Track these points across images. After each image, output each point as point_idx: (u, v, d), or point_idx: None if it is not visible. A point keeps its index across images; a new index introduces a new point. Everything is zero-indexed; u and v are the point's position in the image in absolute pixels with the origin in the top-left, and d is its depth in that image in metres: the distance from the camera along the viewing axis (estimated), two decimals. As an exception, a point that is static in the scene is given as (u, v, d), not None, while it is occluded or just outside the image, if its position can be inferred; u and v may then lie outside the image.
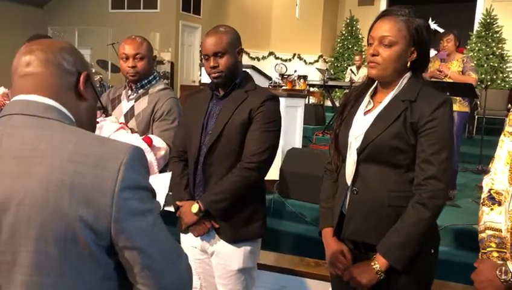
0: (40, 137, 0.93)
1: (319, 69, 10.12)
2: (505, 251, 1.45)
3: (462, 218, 3.71)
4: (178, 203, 2.00)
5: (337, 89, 9.90)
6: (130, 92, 2.44)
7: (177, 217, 2.03)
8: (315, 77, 10.07)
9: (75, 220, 0.89)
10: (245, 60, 11.35)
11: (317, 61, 12.12)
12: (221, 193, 1.89)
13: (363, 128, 1.58)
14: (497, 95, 8.13)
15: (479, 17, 10.14)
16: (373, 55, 1.55)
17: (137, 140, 2.16)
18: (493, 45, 9.63)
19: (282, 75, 6.84)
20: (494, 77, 9.33)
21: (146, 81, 2.41)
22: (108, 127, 2.23)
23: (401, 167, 1.54)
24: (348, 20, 12.09)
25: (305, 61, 12.21)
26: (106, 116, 2.33)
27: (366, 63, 1.64)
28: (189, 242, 2.03)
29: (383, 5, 11.51)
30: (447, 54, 4.61)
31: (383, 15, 1.58)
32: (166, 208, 2.13)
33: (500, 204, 1.50)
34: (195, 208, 1.91)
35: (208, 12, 11.15)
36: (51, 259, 0.90)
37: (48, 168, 0.90)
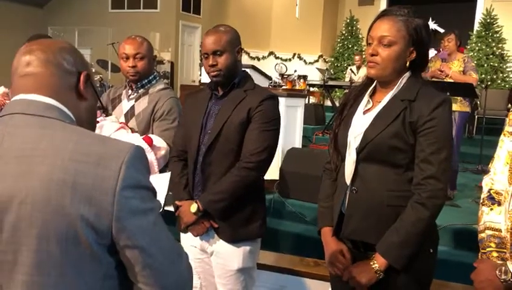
0: (41, 136, 0.93)
1: (319, 69, 10.12)
2: (505, 250, 1.45)
3: (462, 218, 3.71)
4: (177, 202, 2.01)
5: (337, 89, 9.90)
6: (130, 91, 2.44)
7: (177, 217, 2.03)
8: (315, 76, 10.07)
9: (76, 219, 0.89)
10: (245, 59, 11.35)
11: (317, 61, 12.12)
12: (220, 193, 1.89)
13: (362, 127, 1.59)
14: (497, 95, 8.13)
15: (479, 17, 10.14)
16: (372, 55, 1.56)
17: (137, 140, 2.16)
18: (493, 44, 9.63)
19: (282, 75, 6.84)
20: (494, 76, 9.33)
21: (146, 81, 2.41)
22: (108, 126, 2.23)
23: (400, 166, 1.54)
24: (348, 20, 12.09)
25: (305, 61, 12.22)
26: (106, 115, 2.33)
27: (366, 63, 1.64)
28: (189, 241, 2.03)
29: (383, 5, 11.50)
30: (448, 54, 4.60)
31: (382, 15, 1.58)
32: (166, 208, 2.14)
33: (499, 204, 1.50)
34: (194, 207, 1.92)
35: (208, 12, 11.15)
36: (53, 258, 0.91)
37: (50, 167, 0.90)
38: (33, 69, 1.00)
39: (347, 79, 8.89)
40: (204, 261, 2.07)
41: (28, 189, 0.89)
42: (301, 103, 5.04)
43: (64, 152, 0.91)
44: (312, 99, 9.78)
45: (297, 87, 6.70)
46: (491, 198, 1.53)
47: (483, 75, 8.94)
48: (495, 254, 1.47)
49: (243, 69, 2.07)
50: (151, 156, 2.17)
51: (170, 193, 2.10)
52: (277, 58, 12.25)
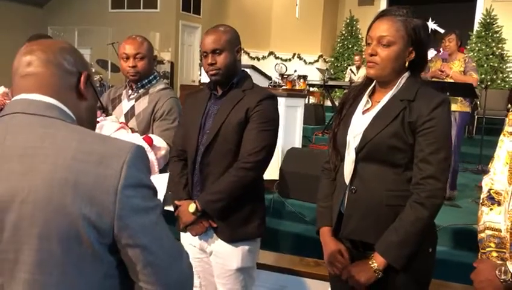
0: (43, 135, 0.94)
1: (319, 69, 10.12)
2: (504, 250, 1.45)
3: (462, 218, 3.71)
4: (176, 202, 2.01)
5: (337, 89, 9.90)
6: (130, 91, 2.44)
7: (177, 217, 2.03)
8: (315, 76, 10.08)
9: (78, 218, 0.90)
10: (245, 59, 11.36)
11: (317, 61, 12.12)
12: (218, 193, 1.89)
13: (361, 127, 1.59)
14: (497, 95, 8.13)
15: (479, 17, 10.15)
16: (371, 55, 1.56)
17: (137, 140, 2.16)
18: (493, 45, 9.64)
19: (282, 75, 6.84)
20: (494, 77, 9.33)
21: (146, 80, 2.41)
22: (108, 126, 2.23)
23: (399, 166, 1.55)
24: (348, 20, 12.10)
25: (305, 61, 12.22)
26: (106, 115, 2.34)
27: (365, 63, 1.65)
28: (188, 241, 2.04)
29: (383, 5, 11.51)
30: (448, 54, 4.60)
31: (381, 15, 1.59)
32: (166, 208, 2.14)
33: (499, 204, 1.50)
34: (192, 207, 1.92)
35: (208, 12, 11.15)
36: (54, 257, 0.91)
37: (51, 167, 0.90)
38: (34, 69, 1.01)
39: (347, 79, 8.89)
40: (203, 261, 2.07)
41: (30, 188, 0.90)
42: (301, 103, 5.05)
43: (66, 151, 0.92)
44: (312, 100, 9.79)
45: (297, 87, 6.70)
46: (490, 198, 1.53)
47: (483, 76, 8.94)
48: (495, 254, 1.47)
49: (242, 69, 2.07)
50: (151, 156, 2.17)
51: (170, 193, 2.11)
52: (277, 58, 12.25)
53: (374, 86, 1.66)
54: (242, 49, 2.04)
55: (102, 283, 0.96)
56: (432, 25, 10.54)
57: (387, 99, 1.58)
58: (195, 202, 1.93)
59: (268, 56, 12.63)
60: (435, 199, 1.50)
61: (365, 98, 1.66)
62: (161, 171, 2.27)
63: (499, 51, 9.52)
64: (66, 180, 0.90)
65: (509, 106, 7.81)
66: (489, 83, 8.26)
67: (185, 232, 2.01)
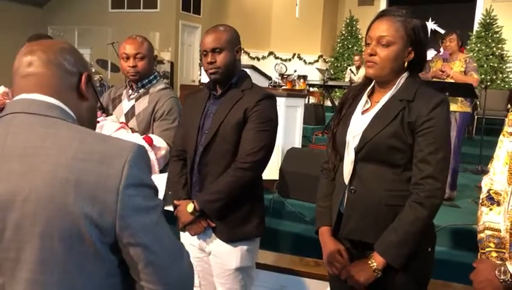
0: (45, 135, 0.94)
1: (318, 69, 10.13)
2: (504, 251, 1.45)
3: (462, 218, 3.71)
4: (175, 202, 2.01)
5: (336, 89, 9.91)
6: (130, 91, 2.44)
7: (176, 216, 2.03)
8: (315, 76, 10.08)
9: (80, 217, 0.90)
10: (245, 59, 11.37)
11: (317, 61, 12.12)
12: (216, 193, 1.90)
13: (360, 127, 1.59)
14: (496, 96, 8.14)
15: (478, 17, 10.15)
16: (371, 54, 1.56)
17: (137, 139, 2.16)
18: (493, 45, 9.64)
19: (282, 75, 6.84)
20: (494, 77, 9.34)
21: (146, 80, 2.41)
22: (108, 126, 2.23)
23: (398, 166, 1.55)
24: (347, 20, 12.10)
25: (305, 61, 12.22)
26: (107, 115, 2.34)
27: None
28: (187, 240, 2.04)
29: (383, 5, 11.51)
30: (449, 54, 4.60)
31: (381, 15, 1.59)
32: (166, 207, 2.14)
33: (499, 204, 1.51)
34: (190, 207, 1.92)
35: (208, 12, 11.16)
36: (56, 256, 0.91)
37: (53, 166, 0.91)
38: (34, 69, 1.01)
39: (347, 79, 8.89)
40: (203, 260, 2.07)
41: (32, 187, 0.90)
42: (301, 103, 5.05)
43: (67, 151, 0.92)
44: (312, 100, 9.79)
45: (297, 87, 6.71)
46: (490, 198, 1.54)
47: (482, 76, 8.95)
48: (494, 254, 1.47)
49: (242, 69, 2.07)
50: (151, 156, 2.17)
51: (170, 193, 2.11)
52: (277, 58, 12.25)
53: (373, 86, 1.67)
54: (242, 49, 2.04)
55: (103, 282, 0.96)
56: (431, 25, 10.56)
57: (387, 100, 1.58)
58: (193, 202, 1.93)
59: (268, 56, 12.63)
60: (434, 199, 1.50)
61: (364, 98, 1.66)
62: (161, 171, 2.27)
63: (499, 51, 9.53)
64: (68, 180, 0.90)
65: (509, 106, 7.81)
66: (489, 83, 8.27)
67: (184, 231, 2.01)
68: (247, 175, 1.90)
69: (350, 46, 11.92)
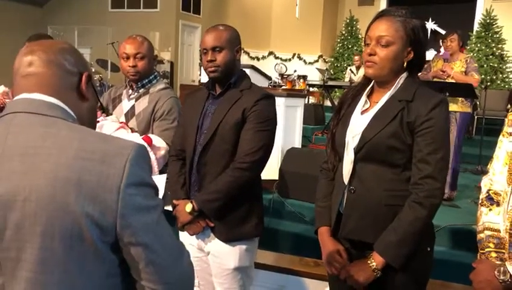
0: (44, 135, 0.94)
1: (318, 69, 10.13)
2: (504, 251, 1.45)
3: (461, 218, 3.71)
4: (174, 201, 2.02)
5: (336, 89, 9.90)
6: (130, 91, 2.44)
7: (175, 216, 2.03)
8: (315, 76, 10.08)
9: (81, 217, 0.90)
10: (245, 59, 11.37)
11: (317, 61, 12.13)
12: (215, 193, 1.90)
13: (360, 127, 1.60)
14: (496, 96, 8.13)
15: (478, 17, 10.16)
16: (370, 54, 1.56)
17: (137, 139, 2.16)
18: (493, 45, 9.64)
19: (282, 75, 6.85)
20: (494, 77, 9.34)
21: (147, 80, 2.41)
22: (108, 126, 2.23)
23: (397, 166, 1.55)
24: (348, 20, 12.10)
25: (304, 61, 12.22)
26: (107, 115, 2.34)
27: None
28: (186, 240, 2.04)
29: (383, 5, 11.51)
30: (450, 54, 4.60)
31: (380, 15, 1.59)
32: (165, 207, 2.14)
33: (498, 204, 1.51)
34: (189, 207, 1.92)
35: (208, 11, 11.15)
36: (56, 255, 0.91)
37: (54, 165, 0.91)
38: (35, 69, 1.01)
39: (347, 79, 8.89)
40: (202, 260, 2.08)
41: (32, 186, 0.90)
42: (301, 103, 5.05)
43: (68, 150, 0.92)
44: (312, 100, 9.79)
45: (297, 87, 6.72)
46: (489, 199, 1.54)
47: (482, 76, 8.94)
48: (494, 255, 1.47)
49: (240, 68, 2.07)
50: (151, 156, 2.17)
51: (169, 193, 2.11)
52: (277, 58, 12.26)
53: (372, 86, 1.67)
54: (242, 49, 2.04)
55: (104, 282, 0.96)
56: (431, 25, 10.56)
57: (386, 100, 1.59)
58: (192, 202, 1.93)
59: (268, 56, 12.64)
60: (434, 199, 1.51)
61: (364, 98, 1.66)
62: (161, 171, 2.27)
63: (499, 51, 9.53)
64: (69, 179, 0.90)
65: (509, 106, 7.81)
66: (489, 84, 8.26)
67: (183, 231, 2.02)
68: (246, 175, 1.90)
69: (350, 46, 11.92)
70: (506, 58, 9.19)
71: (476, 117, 7.47)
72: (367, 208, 1.58)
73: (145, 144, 2.14)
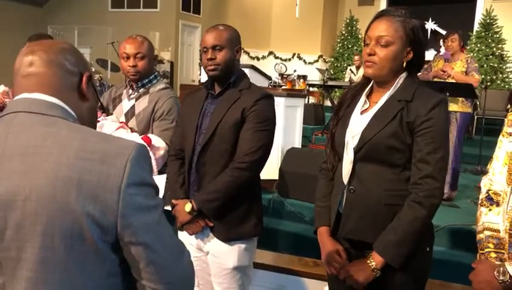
0: (45, 134, 0.94)
1: (318, 69, 10.13)
2: (503, 251, 1.45)
3: (461, 218, 3.71)
4: (173, 201, 2.02)
5: (336, 89, 9.89)
6: (131, 91, 2.44)
7: (174, 215, 2.04)
8: (315, 76, 10.08)
9: (82, 216, 0.90)
10: (245, 59, 11.36)
11: (317, 61, 12.12)
12: (214, 193, 1.90)
13: (359, 127, 1.60)
14: (496, 96, 8.13)
15: (478, 17, 10.15)
16: (370, 54, 1.57)
17: (136, 139, 2.17)
18: (493, 45, 9.64)
19: (281, 75, 6.86)
20: (494, 77, 9.34)
21: (147, 80, 2.41)
22: (108, 126, 2.24)
23: (397, 166, 1.56)
24: (347, 20, 12.09)
25: (304, 61, 12.21)
26: (107, 115, 2.34)
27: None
28: (185, 240, 2.04)
29: (383, 5, 11.51)
30: (451, 54, 4.60)
31: (380, 15, 1.60)
32: (164, 207, 2.14)
33: (498, 205, 1.51)
34: (188, 207, 1.93)
35: (208, 11, 11.15)
36: (57, 255, 0.91)
37: (55, 165, 0.91)
38: (36, 69, 1.01)
39: (347, 79, 8.89)
40: (201, 260, 2.08)
41: (33, 186, 0.90)
42: (301, 103, 5.05)
43: (69, 150, 0.92)
44: (312, 100, 9.79)
45: (297, 87, 6.72)
46: (489, 199, 1.54)
47: (482, 76, 8.94)
48: (493, 255, 1.47)
49: (240, 68, 2.07)
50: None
51: (169, 193, 2.11)
52: (277, 58, 12.25)
53: (372, 86, 1.67)
54: (242, 49, 2.04)
55: (104, 281, 0.97)
56: (431, 25, 10.56)
57: (385, 100, 1.59)
58: (191, 202, 1.93)
59: (268, 56, 12.63)
60: (433, 199, 1.51)
61: (363, 98, 1.67)
62: (160, 171, 2.27)
63: (499, 51, 9.53)
64: (70, 179, 0.90)
65: (509, 106, 7.81)
66: (489, 84, 8.26)
67: (182, 231, 2.02)
68: (245, 175, 1.91)
69: (350, 46, 11.92)
70: (506, 58, 9.19)
71: (476, 117, 7.47)
72: (366, 208, 1.58)
73: (145, 144, 2.15)
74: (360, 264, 1.57)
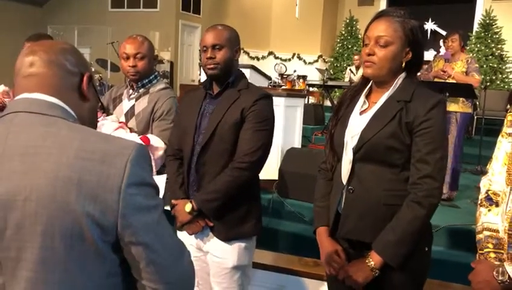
0: (46, 134, 0.94)
1: (318, 69, 10.12)
2: (502, 251, 1.45)
3: (461, 218, 3.72)
4: (173, 201, 2.02)
5: (336, 89, 9.89)
6: (131, 91, 2.45)
7: (173, 215, 2.04)
8: (314, 76, 10.08)
9: (82, 216, 0.90)
10: (245, 59, 11.35)
11: (316, 61, 12.12)
12: (214, 192, 1.90)
13: (359, 128, 1.60)
14: (496, 96, 8.13)
15: (478, 18, 10.15)
16: (369, 54, 1.57)
17: (135, 139, 2.17)
18: (492, 45, 9.64)
19: (281, 75, 6.85)
20: (494, 77, 9.34)
21: (147, 80, 2.41)
22: (107, 126, 2.24)
23: (396, 166, 1.56)
24: (347, 20, 12.09)
25: (304, 61, 12.21)
26: (107, 115, 2.34)
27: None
28: (185, 240, 2.04)
29: (382, 5, 11.49)
30: (451, 54, 4.60)
31: (379, 16, 1.60)
32: (164, 207, 2.14)
33: (497, 205, 1.51)
34: (188, 207, 1.93)
35: (208, 11, 11.15)
36: (57, 255, 0.91)
37: (55, 165, 0.91)
38: (36, 69, 1.02)
39: (346, 79, 8.89)
40: (201, 259, 2.08)
41: (33, 186, 0.90)
42: (300, 103, 5.05)
43: (69, 150, 0.93)
44: (311, 100, 9.79)
45: (296, 87, 6.72)
46: (488, 199, 1.54)
47: (482, 76, 8.94)
48: (493, 255, 1.47)
49: (239, 69, 2.08)
50: (150, 156, 2.17)
51: (169, 193, 2.11)
52: (277, 58, 12.24)
53: (371, 87, 1.67)
54: (242, 49, 2.05)
55: (104, 281, 0.97)
56: (431, 25, 10.56)
57: (384, 100, 1.59)
58: (191, 202, 1.94)
59: (268, 56, 12.62)
60: (432, 199, 1.51)
61: (362, 98, 1.67)
62: (159, 171, 2.27)
63: (499, 51, 9.53)
64: (70, 179, 0.90)
65: (508, 106, 7.80)
66: (488, 84, 8.26)
67: (182, 231, 2.02)
68: (245, 175, 1.91)
69: (350, 46, 11.91)
70: (505, 59, 9.18)
71: (475, 117, 7.47)
72: (366, 208, 1.58)
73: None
74: (359, 264, 1.57)
